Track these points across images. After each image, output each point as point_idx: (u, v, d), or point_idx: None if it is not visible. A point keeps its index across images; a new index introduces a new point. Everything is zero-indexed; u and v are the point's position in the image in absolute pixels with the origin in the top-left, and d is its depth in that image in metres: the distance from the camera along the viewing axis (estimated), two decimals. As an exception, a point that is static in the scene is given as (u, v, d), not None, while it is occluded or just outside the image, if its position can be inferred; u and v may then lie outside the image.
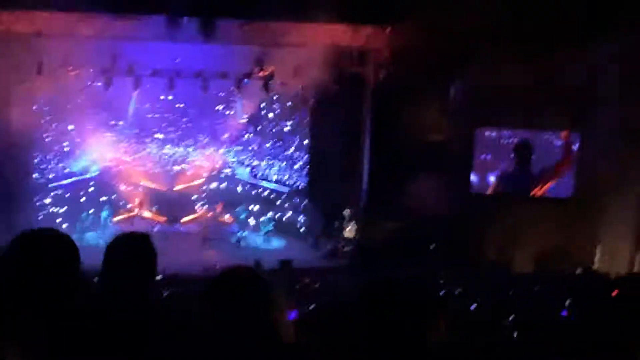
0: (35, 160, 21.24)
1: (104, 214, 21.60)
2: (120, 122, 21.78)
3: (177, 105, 22.12)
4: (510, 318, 7.58)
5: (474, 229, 17.79)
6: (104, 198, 22.01)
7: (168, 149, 22.79)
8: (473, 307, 9.20)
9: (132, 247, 3.61)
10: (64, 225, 20.22)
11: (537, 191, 19.18)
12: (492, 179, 19.32)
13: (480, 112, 18.30)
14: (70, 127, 21.49)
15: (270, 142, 22.89)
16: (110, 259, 3.53)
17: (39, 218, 20.55)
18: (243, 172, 23.29)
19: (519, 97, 17.02)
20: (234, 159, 23.24)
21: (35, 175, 21.24)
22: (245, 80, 20.74)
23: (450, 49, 16.37)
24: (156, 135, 22.52)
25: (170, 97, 21.57)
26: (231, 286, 3.33)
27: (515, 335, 6.46)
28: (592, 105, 17.26)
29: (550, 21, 16.00)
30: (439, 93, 17.73)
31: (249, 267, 3.65)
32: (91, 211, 21.73)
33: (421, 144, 17.72)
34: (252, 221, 22.51)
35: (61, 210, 21.45)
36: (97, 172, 22.20)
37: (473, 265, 16.26)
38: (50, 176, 21.70)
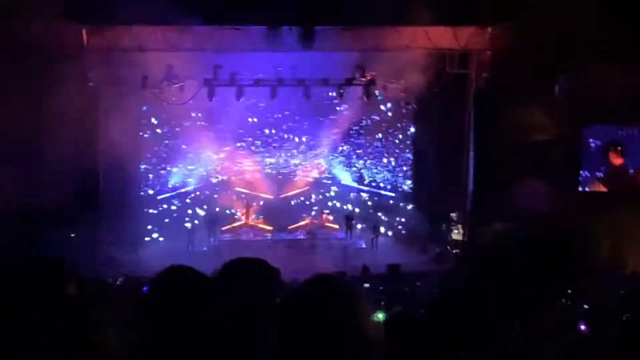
0: (142, 172, 21.55)
1: (212, 223, 21.85)
2: (225, 132, 21.98)
3: (280, 114, 22.33)
4: (623, 317, 8.05)
5: (582, 228, 17.03)
6: (212, 207, 22.25)
7: (273, 157, 22.95)
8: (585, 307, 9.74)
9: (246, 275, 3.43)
10: (171, 234, 20.96)
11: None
12: (601, 177, 19.03)
13: (587, 109, 17.89)
14: (176, 138, 21.89)
15: (374, 147, 22.90)
16: (223, 283, 3.35)
17: (148, 228, 20.95)
18: (348, 178, 23.30)
19: (627, 93, 16.44)
20: (339, 165, 23.24)
21: (142, 186, 21.57)
22: (347, 86, 20.65)
23: (554, 47, 16.17)
24: (260, 144, 22.71)
25: (273, 106, 21.60)
26: (312, 295, 3.13)
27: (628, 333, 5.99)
28: None
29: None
30: (544, 92, 17.43)
31: (332, 276, 3.36)
32: (198, 220, 21.96)
33: (526, 144, 17.57)
34: (358, 226, 22.44)
35: (169, 220, 21.81)
36: (204, 183, 22.47)
37: (583, 265, 14.66)
38: (158, 187, 22.07)
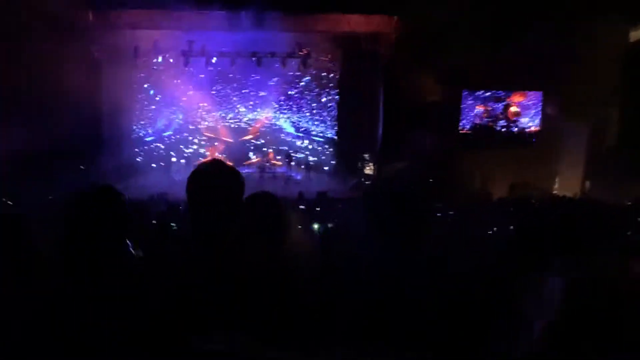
0: (135, 121, 22.39)
1: (188, 159, 22.74)
2: (196, 92, 22.74)
3: (239, 78, 23.11)
4: (490, 232, 8.40)
5: (461, 165, 18.65)
6: (187, 148, 23.19)
7: (233, 111, 23.67)
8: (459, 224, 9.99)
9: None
10: (157, 167, 22.04)
11: (508, 133, 20.33)
12: (476, 126, 20.38)
13: (465, 77, 19.43)
14: (160, 96, 22.70)
15: (309, 104, 23.73)
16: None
17: (139, 162, 21.94)
18: (289, 127, 24.11)
19: (495, 64, 17.99)
20: (283, 118, 24.00)
21: (135, 132, 22.41)
22: (289, 58, 21.78)
23: (439, 32, 17.15)
24: (224, 101, 23.47)
25: (233, 72, 22.60)
26: (256, 205, 3.27)
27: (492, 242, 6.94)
28: (551, 68, 17.99)
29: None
30: (434, 64, 18.21)
31: (269, 192, 3.51)
32: (176, 158, 22.84)
33: (421, 102, 18.74)
34: (296, 163, 23.38)
35: (155, 157, 22.65)
36: (181, 129, 23.27)
37: (461, 193, 16.65)
38: (146, 132, 22.85)
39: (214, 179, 2.91)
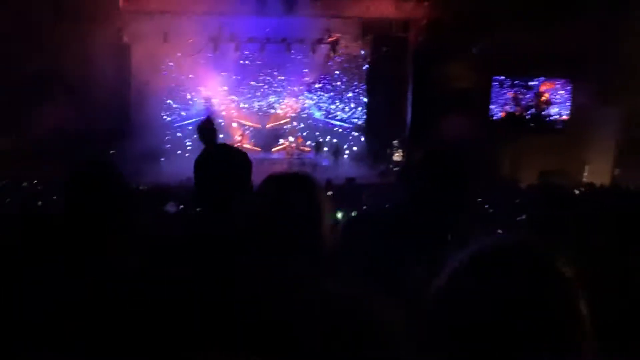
0: (164, 106, 22.25)
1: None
2: (225, 78, 22.69)
3: (268, 64, 23.01)
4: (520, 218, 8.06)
5: (490, 152, 18.20)
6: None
7: (262, 97, 23.56)
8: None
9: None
10: (184, 152, 21.64)
11: (538, 121, 19.99)
12: (503, 114, 20.03)
13: (496, 64, 19.04)
14: (188, 81, 22.65)
15: (337, 90, 23.65)
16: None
17: (167, 147, 21.80)
18: (318, 114, 23.99)
19: (525, 52, 17.58)
20: (311, 104, 23.91)
21: (163, 117, 22.27)
22: (318, 44, 21.74)
23: (471, 17, 17.17)
24: (253, 87, 23.41)
25: (262, 58, 22.56)
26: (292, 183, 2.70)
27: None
28: (581, 58, 17.70)
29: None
30: (464, 51, 18.36)
31: (305, 172, 2.87)
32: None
33: (450, 89, 18.35)
34: (324, 149, 23.27)
35: (183, 143, 22.27)
36: (208, 115, 22.41)
37: (490, 180, 16.22)
38: (174, 117, 22.84)
39: (221, 161, 3.00)
